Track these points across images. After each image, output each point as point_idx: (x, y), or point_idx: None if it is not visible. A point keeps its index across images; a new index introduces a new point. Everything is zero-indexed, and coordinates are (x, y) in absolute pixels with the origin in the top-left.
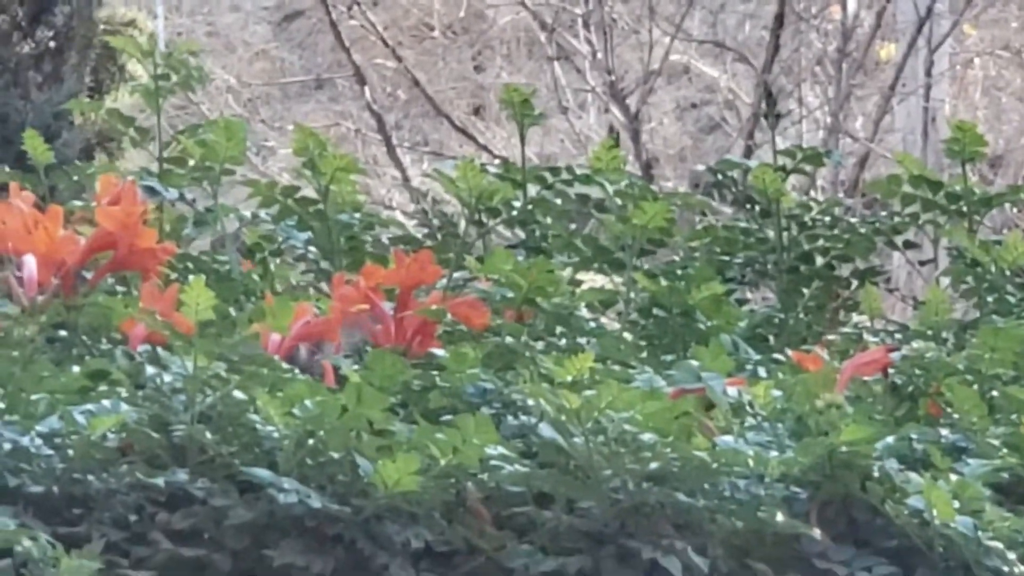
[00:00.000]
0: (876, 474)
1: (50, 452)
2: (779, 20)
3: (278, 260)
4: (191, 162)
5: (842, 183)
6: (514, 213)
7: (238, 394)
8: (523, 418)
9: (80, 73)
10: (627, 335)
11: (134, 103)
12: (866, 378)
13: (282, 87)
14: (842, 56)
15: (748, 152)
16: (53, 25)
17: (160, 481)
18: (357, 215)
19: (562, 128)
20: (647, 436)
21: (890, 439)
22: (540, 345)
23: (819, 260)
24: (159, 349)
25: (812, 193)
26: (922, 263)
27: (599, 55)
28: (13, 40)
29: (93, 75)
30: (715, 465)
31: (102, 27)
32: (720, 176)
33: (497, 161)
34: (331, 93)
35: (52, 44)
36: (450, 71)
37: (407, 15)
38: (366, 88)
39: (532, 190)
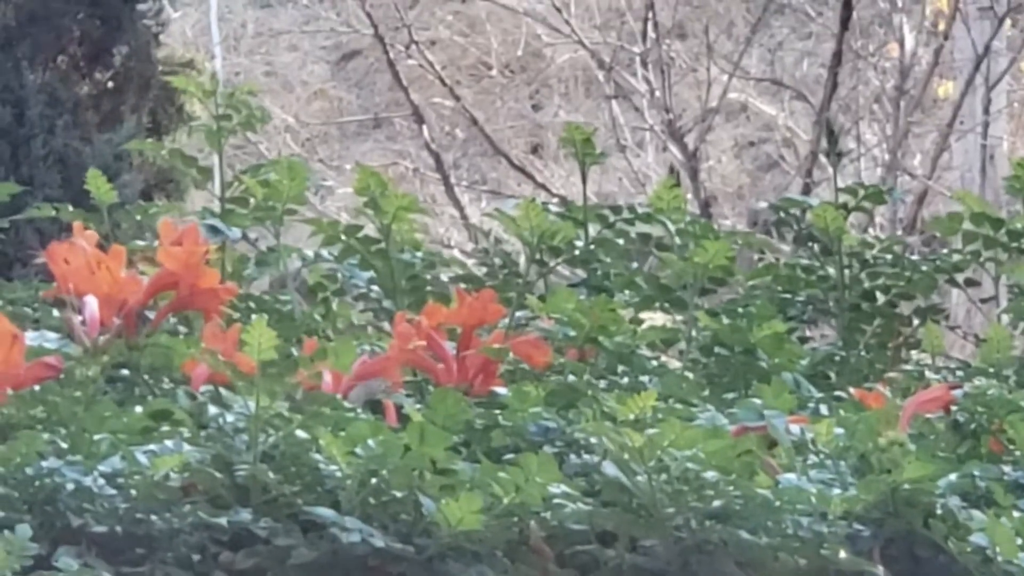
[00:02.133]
0: (939, 511)
1: (113, 492)
2: (837, 58)
3: (340, 299)
4: (253, 202)
5: (900, 221)
6: (576, 252)
7: (301, 433)
8: (586, 456)
9: (139, 114)
10: (688, 373)
11: (192, 144)
12: (928, 415)
13: (340, 126)
14: (900, 94)
15: (806, 190)
16: (111, 65)
17: (223, 520)
18: (419, 254)
19: (620, 166)
20: (710, 474)
21: (953, 476)
22: (602, 384)
23: (880, 298)
24: (221, 389)
25: (871, 231)
26: (983, 301)
27: (657, 93)
28: (72, 80)
29: (151, 116)
30: (778, 503)
31: (160, 67)
32: (781, 214)
33: (556, 200)
34: (389, 132)
35: (111, 84)
36: (508, 110)
37: (465, 54)
38: (424, 127)
39: (593, 229)
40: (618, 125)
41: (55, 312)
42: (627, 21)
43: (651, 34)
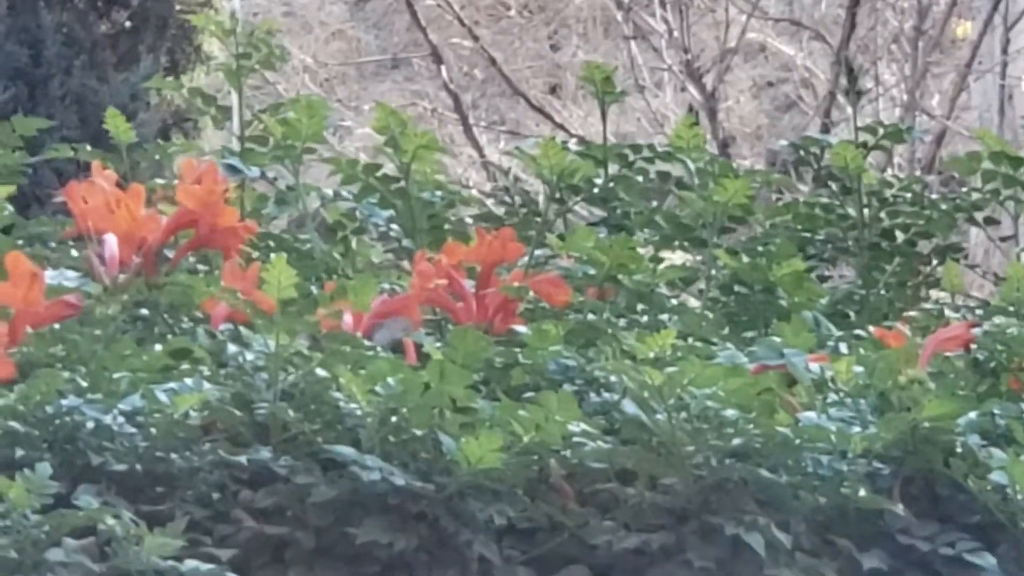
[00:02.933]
0: (959, 450)
1: (133, 430)
2: None
3: (359, 238)
4: (272, 141)
5: (919, 160)
6: (595, 191)
7: (320, 372)
8: (605, 395)
9: (156, 53)
10: (708, 312)
11: (210, 83)
12: (948, 354)
13: (358, 67)
14: (918, 34)
15: (825, 130)
16: (128, 5)
17: (243, 459)
18: (439, 193)
19: (638, 107)
20: (730, 412)
21: (972, 415)
22: (622, 322)
23: (900, 237)
24: (241, 327)
25: (889, 171)
26: (1003, 239)
27: (675, 34)
28: (89, 21)
29: (169, 55)
30: (798, 441)
31: (178, 7)
32: (800, 153)
33: (575, 139)
34: (407, 73)
35: (128, 24)
36: (526, 50)
37: None
38: (443, 67)
39: (612, 168)
40: (636, 65)
41: (73, 251)
42: None
43: None
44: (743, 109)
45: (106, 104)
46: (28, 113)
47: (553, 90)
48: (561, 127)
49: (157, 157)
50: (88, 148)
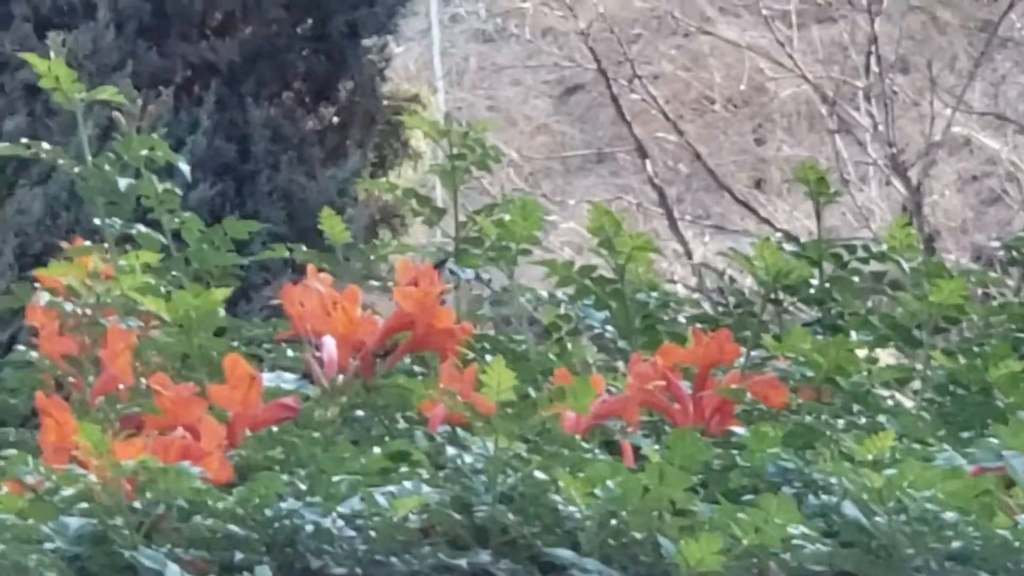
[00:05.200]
0: None
1: (352, 534)
2: None
3: (574, 339)
4: (486, 242)
5: None
6: (811, 291)
7: (539, 474)
8: (824, 497)
9: (364, 149)
10: (924, 413)
11: (417, 179)
12: None
13: (563, 161)
14: None
15: None
16: (336, 101)
17: (463, 562)
18: (654, 294)
19: (844, 201)
20: (949, 515)
21: None
22: (840, 423)
23: None
24: (459, 430)
25: None
26: None
27: (880, 127)
28: (297, 116)
29: (376, 150)
30: (1017, 544)
31: (385, 102)
32: (1012, 253)
33: (781, 235)
34: (612, 167)
35: (335, 120)
36: (731, 144)
37: (688, 88)
38: (647, 161)
39: (827, 267)
40: (841, 159)
41: (289, 352)
42: (850, 55)
43: (874, 68)
44: (948, 203)
45: (313, 200)
46: (235, 209)
47: (758, 184)
48: (766, 221)
49: (372, 257)
50: (303, 248)
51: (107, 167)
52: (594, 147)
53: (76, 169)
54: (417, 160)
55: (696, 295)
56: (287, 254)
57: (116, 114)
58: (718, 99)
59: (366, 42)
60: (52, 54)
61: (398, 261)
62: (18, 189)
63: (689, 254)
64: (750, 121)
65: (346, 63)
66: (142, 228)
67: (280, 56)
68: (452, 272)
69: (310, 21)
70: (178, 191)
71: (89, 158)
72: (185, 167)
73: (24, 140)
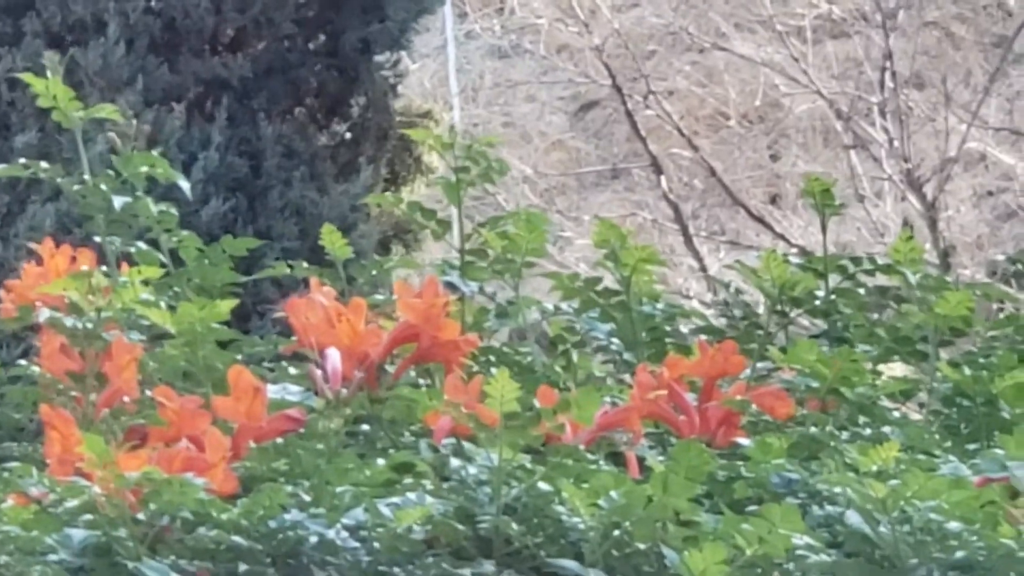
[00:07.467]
0: None
1: (356, 545)
2: None
3: (580, 351)
4: (492, 254)
5: None
6: (816, 303)
7: (543, 485)
8: (829, 508)
9: (376, 165)
10: (930, 424)
11: (430, 194)
12: None
13: (578, 177)
14: None
15: None
16: (349, 117)
17: (466, 573)
18: (659, 306)
19: (859, 216)
20: (953, 525)
21: None
22: (844, 435)
23: None
24: (463, 441)
25: None
26: None
27: (895, 143)
28: (309, 132)
29: (389, 166)
30: (1021, 553)
31: (398, 118)
32: (1020, 266)
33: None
34: (627, 183)
35: (348, 136)
36: (746, 160)
37: (703, 104)
38: (662, 177)
39: (833, 280)
40: (856, 175)
41: (292, 370)
42: (864, 71)
43: (889, 84)
44: (964, 218)
45: (326, 215)
46: (248, 224)
47: (773, 200)
48: (781, 237)
49: (375, 272)
50: (305, 264)
51: (104, 186)
52: (609, 163)
53: (75, 187)
54: (429, 175)
55: (703, 308)
56: (288, 271)
57: (111, 135)
58: (733, 115)
59: (378, 58)
60: (49, 73)
61: (395, 281)
62: (29, 205)
63: (704, 269)
64: (765, 137)
65: (358, 79)
66: (142, 246)
67: (292, 72)
68: (456, 287)
69: (322, 37)
70: (174, 211)
71: (88, 176)
72: (185, 184)
73: (23, 160)
